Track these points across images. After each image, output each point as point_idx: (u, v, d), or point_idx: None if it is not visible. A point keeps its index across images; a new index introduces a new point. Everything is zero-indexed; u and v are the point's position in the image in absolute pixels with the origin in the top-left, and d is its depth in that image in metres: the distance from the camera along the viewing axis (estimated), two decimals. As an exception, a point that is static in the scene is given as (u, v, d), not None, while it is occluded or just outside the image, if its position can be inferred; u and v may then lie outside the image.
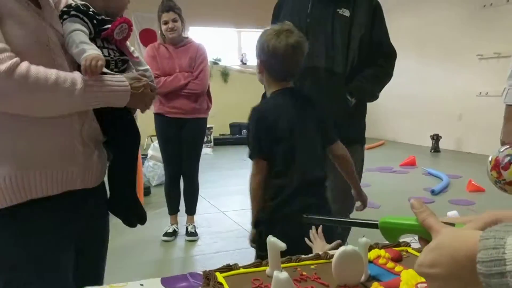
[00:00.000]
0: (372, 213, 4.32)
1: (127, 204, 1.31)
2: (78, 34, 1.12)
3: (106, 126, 1.22)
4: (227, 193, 4.93)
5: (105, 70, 1.13)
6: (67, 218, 1.14)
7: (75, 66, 1.12)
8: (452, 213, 3.90)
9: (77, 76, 1.07)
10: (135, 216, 1.33)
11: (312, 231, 1.25)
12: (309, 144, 1.71)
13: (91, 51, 1.09)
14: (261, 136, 1.66)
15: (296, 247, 1.67)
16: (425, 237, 0.63)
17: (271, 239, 0.79)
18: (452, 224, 0.62)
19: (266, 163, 1.66)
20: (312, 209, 1.62)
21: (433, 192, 4.93)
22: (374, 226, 0.71)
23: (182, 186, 3.64)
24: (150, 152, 5.33)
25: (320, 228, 1.25)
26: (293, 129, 1.68)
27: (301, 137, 1.69)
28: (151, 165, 5.27)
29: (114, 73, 1.18)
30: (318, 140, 1.75)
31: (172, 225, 3.68)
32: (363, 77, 2.13)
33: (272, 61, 1.67)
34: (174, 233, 3.66)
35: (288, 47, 1.63)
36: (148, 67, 1.38)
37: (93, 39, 1.18)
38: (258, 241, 1.73)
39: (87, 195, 1.18)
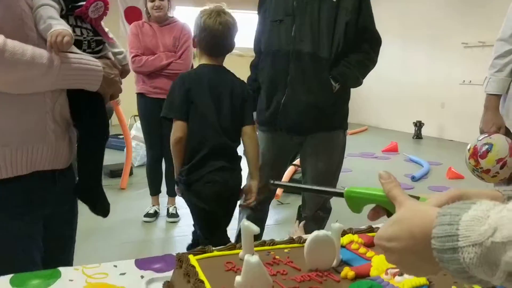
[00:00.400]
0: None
1: (90, 194, 1.28)
2: (46, 9, 1.06)
3: (75, 111, 1.18)
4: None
5: (77, 50, 1.09)
6: (35, 199, 1.11)
7: None
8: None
9: (52, 53, 1.03)
10: (96, 207, 1.31)
11: (294, 226, 1.28)
12: (223, 116, 1.89)
13: (58, 27, 1.04)
14: (179, 98, 1.86)
15: (210, 205, 1.92)
16: (389, 209, 0.63)
17: (245, 223, 0.79)
18: (417, 198, 0.62)
19: (183, 124, 1.86)
20: (223, 171, 1.89)
21: (413, 179, 5.00)
22: (340, 194, 0.71)
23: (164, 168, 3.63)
24: (132, 132, 5.29)
25: (302, 223, 1.29)
26: (209, 98, 1.87)
27: (216, 108, 1.88)
28: (134, 146, 5.23)
29: (87, 54, 1.14)
30: (235, 115, 1.93)
31: (153, 206, 3.67)
32: (348, 62, 2.13)
33: (202, 35, 1.87)
34: (155, 214, 3.65)
35: (216, 25, 1.83)
36: (122, 49, 1.34)
37: (65, 17, 1.12)
38: (183, 196, 2.05)
39: (55, 177, 1.16)
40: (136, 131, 5.22)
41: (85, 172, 1.26)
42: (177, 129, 1.87)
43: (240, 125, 1.95)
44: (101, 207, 1.32)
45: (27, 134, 1.06)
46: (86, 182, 1.26)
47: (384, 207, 0.66)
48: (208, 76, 1.90)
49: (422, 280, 0.74)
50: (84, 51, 1.15)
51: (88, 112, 1.20)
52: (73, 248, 1.33)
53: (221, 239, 1.95)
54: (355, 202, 0.69)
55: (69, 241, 1.31)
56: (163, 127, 3.43)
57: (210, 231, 2.00)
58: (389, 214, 0.64)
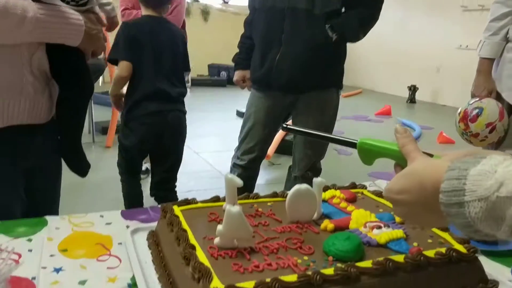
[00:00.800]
0: (344, 160, 4.39)
1: (68, 152, 1.27)
2: None
3: (54, 66, 1.13)
4: (202, 134, 4.93)
5: (58, 2, 1.05)
6: (14, 152, 1.09)
7: None
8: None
9: (28, 3, 0.98)
10: (73, 166, 1.28)
11: None
12: (164, 62, 2.12)
13: None
14: (123, 42, 2.05)
15: (143, 143, 2.22)
16: (402, 164, 0.63)
17: (228, 176, 0.80)
18: (431, 155, 0.62)
19: (129, 64, 2.07)
20: (157, 115, 2.14)
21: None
22: (353, 145, 0.70)
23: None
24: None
25: None
26: (150, 46, 2.08)
27: (156, 55, 2.10)
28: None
29: (70, 6, 1.10)
30: (176, 62, 2.19)
31: (145, 163, 3.69)
32: (347, 14, 2.08)
33: None
34: (147, 172, 3.67)
35: None
36: (110, 0, 1.29)
37: None
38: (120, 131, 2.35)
39: (35, 132, 1.13)
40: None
41: (64, 129, 1.23)
42: (123, 68, 2.07)
43: (182, 70, 2.25)
44: (78, 167, 1.29)
45: (3, 87, 1.03)
46: (64, 139, 1.24)
47: (399, 163, 0.65)
48: (149, 25, 2.11)
49: (399, 233, 0.76)
50: (67, 3, 1.10)
51: (68, 68, 1.15)
52: (57, 202, 1.32)
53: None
54: (367, 154, 0.68)
55: (54, 194, 1.30)
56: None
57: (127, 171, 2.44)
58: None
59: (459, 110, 2.19)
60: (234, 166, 2.36)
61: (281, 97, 2.21)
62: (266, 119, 2.27)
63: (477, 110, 2.10)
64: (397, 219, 0.83)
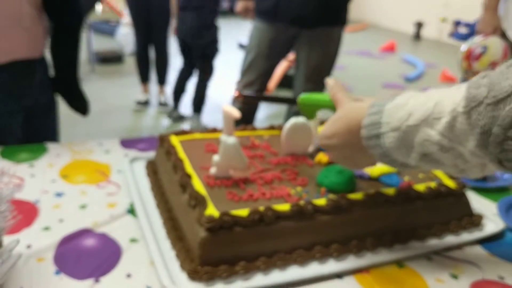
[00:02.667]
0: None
1: (64, 89, 1.23)
2: None
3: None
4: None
5: None
6: (13, 89, 1.07)
7: None
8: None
9: None
10: (73, 104, 1.25)
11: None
12: None
13: None
14: None
15: None
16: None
17: (225, 108, 0.80)
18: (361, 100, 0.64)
19: None
20: None
21: (407, 79, 4.99)
22: (293, 102, 0.76)
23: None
24: (125, 18, 5.12)
25: None
26: None
27: None
28: (124, 33, 5.09)
29: None
30: None
31: (144, 93, 3.69)
32: None
33: None
34: (146, 103, 3.68)
35: None
36: None
37: None
38: None
39: (35, 67, 1.11)
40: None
41: (58, 64, 1.19)
42: None
43: None
44: (78, 104, 1.26)
45: (3, 18, 1.01)
46: (60, 75, 1.20)
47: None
48: None
49: (391, 168, 0.78)
50: None
51: None
52: (57, 135, 1.30)
53: None
54: (308, 108, 0.75)
55: (53, 133, 1.27)
56: (150, 14, 3.33)
57: None
58: None
59: (463, 48, 2.15)
60: (235, 99, 2.36)
61: (285, 30, 2.16)
62: (269, 52, 2.23)
63: (481, 49, 2.07)
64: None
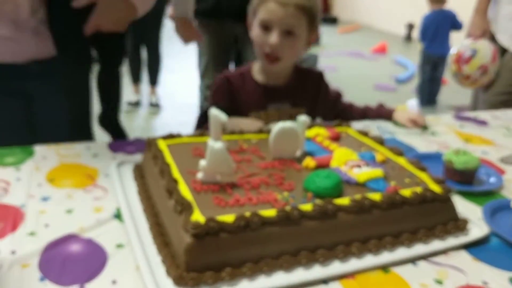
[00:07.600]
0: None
1: (108, 125, 1.27)
2: None
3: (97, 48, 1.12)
4: (194, 67, 4.86)
5: None
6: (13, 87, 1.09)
7: None
8: (412, 103, 4.03)
9: None
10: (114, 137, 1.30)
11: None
12: None
13: None
14: None
15: None
16: None
17: (213, 112, 0.80)
18: None
19: None
20: None
21: (398, 80, 5.01)
22: None
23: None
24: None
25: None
26: None
27: None
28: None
29: None
30: None
31: (135, 94, 3.67)
32: None
33: None
34: (137, 103, 3.66)
35: None
36: None
37: None
38: None
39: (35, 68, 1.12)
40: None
41: (104, 102, 1.22)
42: None
43: None
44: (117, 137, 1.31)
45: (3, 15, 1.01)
46: (105, 114, 1.25)
47: None
48: None
49: (378, 173, 0.78)
50: None
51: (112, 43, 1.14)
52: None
53: None
54: None
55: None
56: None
57: None
58: None
59: (453, 51, 2.16)
60: (205, 99, 2.38)
61: (222, 26, 2.19)
62: (217, 52, 2.26)
63: (471, 52, 2.08)
64: (378, 158, 0.85)
